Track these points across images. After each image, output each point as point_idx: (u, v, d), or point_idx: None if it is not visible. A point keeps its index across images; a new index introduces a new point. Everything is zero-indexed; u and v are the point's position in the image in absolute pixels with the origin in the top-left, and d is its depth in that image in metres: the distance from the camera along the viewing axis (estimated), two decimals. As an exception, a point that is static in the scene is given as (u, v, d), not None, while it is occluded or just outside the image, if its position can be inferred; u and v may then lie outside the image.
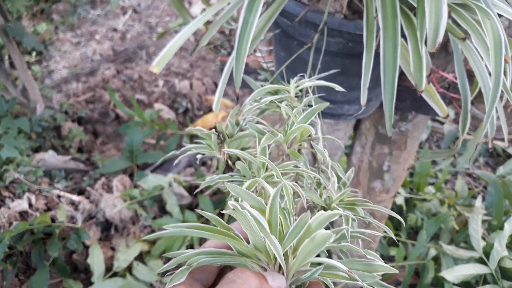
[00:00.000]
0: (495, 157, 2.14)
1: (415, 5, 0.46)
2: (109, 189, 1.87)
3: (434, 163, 1.82)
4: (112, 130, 2.31)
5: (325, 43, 0.59)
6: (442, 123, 2.04)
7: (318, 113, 0.73)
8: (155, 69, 0.65)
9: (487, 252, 1.40)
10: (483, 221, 1.51)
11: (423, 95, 0.57)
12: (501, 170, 1.76)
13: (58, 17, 3.32)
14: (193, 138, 2.20)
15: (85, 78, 2.64)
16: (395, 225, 1.54)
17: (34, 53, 2.90)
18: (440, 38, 0.40)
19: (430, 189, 1.60)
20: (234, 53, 0.50)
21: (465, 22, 0.47)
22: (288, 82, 0.72)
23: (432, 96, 0.53)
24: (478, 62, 0.49)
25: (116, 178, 1.89)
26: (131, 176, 2.01)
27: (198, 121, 2.29)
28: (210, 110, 2.42)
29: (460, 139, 0.62)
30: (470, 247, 1.45)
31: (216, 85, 2.59)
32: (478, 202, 1.45)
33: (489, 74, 0.49)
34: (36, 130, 2.08)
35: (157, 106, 2.40)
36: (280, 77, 0.76)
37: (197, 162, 0.77)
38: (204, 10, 0.92)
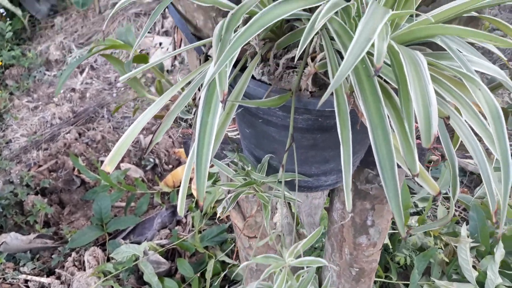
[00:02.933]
0: (469, 176, 2.14)
1: (394, 84, 0.42)
2: (80, 265, 1.75)
3: (412, 192, 1.79)
4: (79, 198, 2.20)
5: (293, 121, 0.54)
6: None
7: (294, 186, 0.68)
8: (108, 168, 0.59)
9: (481, 282, 1.37)
10: (471, 248, 1.48)
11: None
12: (479, 191, 1.74)
13: (13, 82, 3.21)
14: (164, 196, 2.12)
15: (46, 145, 2.53)
16: (384, 266, 1.49)
17: (-12, 125, 2.77)
18: (434, 130, 0.35)
19: (413, 222, 1.57)
20: (194, 159, 0.44)
21: (451, 94, 0.43)
22: (258, 160, 0.67)
23: (424, 178, 0.49)
24: (470, 137, 0.45)
25: (87, 252, 1.77)
26: (103, 245, 1.90)
27: (168, 176, 2.20)
28: (179, 163, 2.34)
29: (452, 205, 0.58)
30: (463, 278, 1.41)
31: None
32: (464, 230, 1.42)
33: (485, 150, 0.45)
34: (-4, 209, 1.95)
35: (124, 165, 2.31)
36: (248, 152, 0.71)
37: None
38: (159, 82, 0.87)
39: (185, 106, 0.55)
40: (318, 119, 0.56)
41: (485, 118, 0.46)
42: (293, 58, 0.53)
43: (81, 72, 3.27)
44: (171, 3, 0.71)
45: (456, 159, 0.55)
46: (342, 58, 0.51)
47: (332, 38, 0.51)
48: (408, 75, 0.38)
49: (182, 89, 0.61)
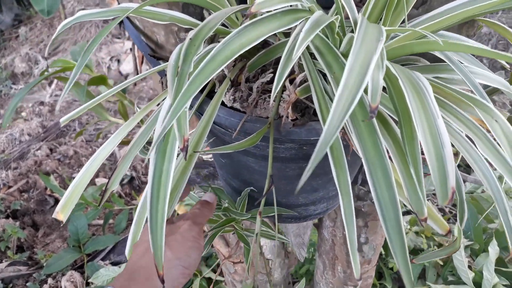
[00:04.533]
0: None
1: (395, 117, 0.35)
2: (58, 291, 1.65)
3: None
4: (53, 218, 2.08)
5: (273, 151, 0.47)
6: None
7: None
8: (61, 216, 0.51)
9: (477, 282, 1.32)
10: (465, 247, 1.44)
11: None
12: (467, 186, 1.70)
13: (-23, 98, 3.06)
14: (144, 210, 2.02)
15: (15, 163, 2.39)
16: (377, 273, 1.43)
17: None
18: (451, 182, 0.28)
19: (404, 223, 1.51)
20: (148, 221, 0.36)
21: (464, 124, 0.36)
22: (236, 191, 0.59)
23: (433, 218, 0.42)
24: (485, 169, 0.38)
25: (64, 277, 1.67)
26: (81, 267, 1.79)
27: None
28: (158, 174, 2.24)
29: (459, 233, 0.51)
30: (459, 280, 1.36)
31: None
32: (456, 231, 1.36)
33: (499, 183, 0.38)
34: (-37, 238, 1.82)
35: (99, 180, 2.20)
36: (225, 182, 0.63)
37: None
38: (122, 104, 0.78)
39: (144, 145, 0.47)
40: (302, 148, 0.48)
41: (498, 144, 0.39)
42: (268, 81, 0.45)
43: (50, 84, 3.13)
44: (127, 18, 0.63)
45: (462, 185, 0.49)
46: (325, 78, 0.44)
47: (312, 56, 0.44)
48: (412, 107, 0.30)
49: (142, 121, 0.52)
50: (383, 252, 1.43)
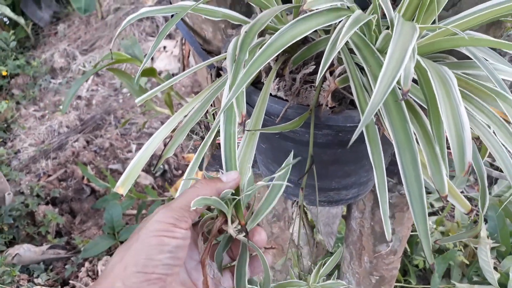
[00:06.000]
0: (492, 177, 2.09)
1: (424, 105, 0.39)
2: (94, 274, 1.74)
3: (428, 191, 1.76)
4: (90, 206, 2.19)
5: (313, 137, 0.52)
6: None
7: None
8: (121, 190, 0.57)
9: (503, 283, 1.33)
10: (491, 249, 1.45)
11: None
12: (495, 189, 1.70)
13: (19, 91, 3.21)
14: (175, 202, 2.10)
15: (54, 154, 2.52)
16: (402, 270, 1.45)
17: (-4, 135, 2.77)
18: (469, 158, 0.32)
19: (430, 223, 1.53)
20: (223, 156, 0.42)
21: (483, 112, 0.40)
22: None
23: (455, 196, 0.46)
24: (503, 155, 0.42)
25: (100, 261, 1.76)
26: (116, 254, 1.88)
27: (178, 182, 2.19)
28: (189, 168, 2.32)
29: (481, 218, 0.55)
30: (484, 280, 1.37)
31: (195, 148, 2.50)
32: (483, 231, 1.38)
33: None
34: (7, 221, 1.94)
35: (133, 172, 2.29)
36: (264, 167, 0.69)
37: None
38: (168, 95, 0.85)
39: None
40: (338, 134, 0.53)
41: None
42: (310, 72, 0.50)
43: (86, 80, 3.26)
44: (178, 15, 0.69)
45: (485, 172, 0.53)
46: (362, 71, 0.49)
47: (351, 51, 0.48)
48: (438, 96, 0.35)
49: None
50: (408, 249, 1.46)
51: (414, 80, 0.42)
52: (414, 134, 0.41)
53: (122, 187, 0.57)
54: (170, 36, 3.55)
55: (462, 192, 1.85)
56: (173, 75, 3.15)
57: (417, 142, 0.42)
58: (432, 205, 1.72)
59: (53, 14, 3.96)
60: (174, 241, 0.40)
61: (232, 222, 0.45)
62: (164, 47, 3.50)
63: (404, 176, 0.39)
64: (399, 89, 0.36)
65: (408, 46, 0.31)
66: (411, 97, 0.43)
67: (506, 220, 1.47)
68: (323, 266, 0.62)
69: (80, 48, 3.62)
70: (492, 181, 2.01)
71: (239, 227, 0.45)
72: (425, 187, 0.41)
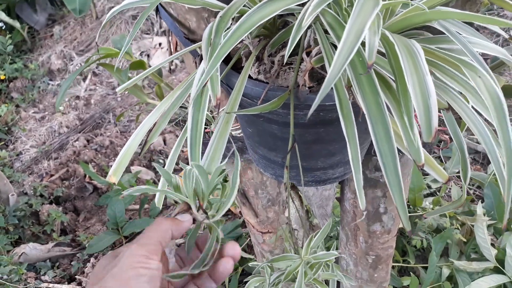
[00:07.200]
0: (480, 152, 2.11)
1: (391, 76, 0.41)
2: (99, 270, 1.77)
3: (424, 173, 1.78)
4: (93, 204, 2.22)
5: (293, 118, 0.54)
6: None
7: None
8: (113, 179, 0.59)
9: (500, 259, 1.35)
10: (488, 226, 1.47)
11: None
12: (492, 167, 1.72)
13: (18, 94, 3.23)
14: (177, 195, 2.12)
15: (55, 154, 2.55)
16: (401, 250, 1.48)
17: (-2, 138, 2.80)
18: (435, 124, 0.34)
19: (427, 204, 1.55)
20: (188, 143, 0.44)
21: (454, 79, 0.42)
22: (262, 158, 0.67)
23: (431, 166, 0.48)
24: (477, 122, 0.44)
25: (105, 256, 1.79)
26: (120, 249, 1.91)
27: (178, 175, 2.21)
28: (188, 163, 2.34)
29: (464, 189, 0.57)
30: (482, 257, 1.39)
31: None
32: (479, 209, 1.40)
33: (494, 135, 0.44)
34: (12, 221, 1.97)
35: (134, 168, 2.32)
36: (252, 150, 0.70)
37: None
38: (159, 87, 0.87)
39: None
40: (319, 114, 0.55)
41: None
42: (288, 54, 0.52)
43: (84, 79, 3.28)
44: (163, 7, 0.71)
45: (464, 144, 0.54)
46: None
47: (326, 31, 0.50)
48: (405, 67, 0.37)
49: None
50: (406, 231, 1.48)
51: (383, 55, 0.43)
52: (387, 106, 0.43)
53: (114, 175, 0.59)
54: (165, 33, 3.55)
55: (458, 172, 1.86)
56: (170, 71, 3.17)
57: (392, 115, 0.43)
58: (429, 186, 1.74)
59: (48, 16, 3.98)
60: (150, 271, 0.42)
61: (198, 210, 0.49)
62: (160, 44, 3.51)
63: (378, 148, 0.41)
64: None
65: (367, 19, 0.32)
66: (383, 72, 0.44)
67: (502, 198, 1.49)
68: (314, 238, 0.64)
69: (77, 49, 3.64)
70: (488, 159, 2.02)
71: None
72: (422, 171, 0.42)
